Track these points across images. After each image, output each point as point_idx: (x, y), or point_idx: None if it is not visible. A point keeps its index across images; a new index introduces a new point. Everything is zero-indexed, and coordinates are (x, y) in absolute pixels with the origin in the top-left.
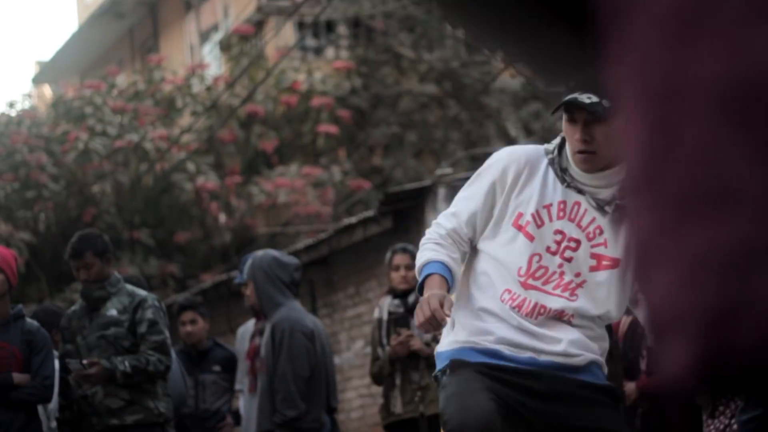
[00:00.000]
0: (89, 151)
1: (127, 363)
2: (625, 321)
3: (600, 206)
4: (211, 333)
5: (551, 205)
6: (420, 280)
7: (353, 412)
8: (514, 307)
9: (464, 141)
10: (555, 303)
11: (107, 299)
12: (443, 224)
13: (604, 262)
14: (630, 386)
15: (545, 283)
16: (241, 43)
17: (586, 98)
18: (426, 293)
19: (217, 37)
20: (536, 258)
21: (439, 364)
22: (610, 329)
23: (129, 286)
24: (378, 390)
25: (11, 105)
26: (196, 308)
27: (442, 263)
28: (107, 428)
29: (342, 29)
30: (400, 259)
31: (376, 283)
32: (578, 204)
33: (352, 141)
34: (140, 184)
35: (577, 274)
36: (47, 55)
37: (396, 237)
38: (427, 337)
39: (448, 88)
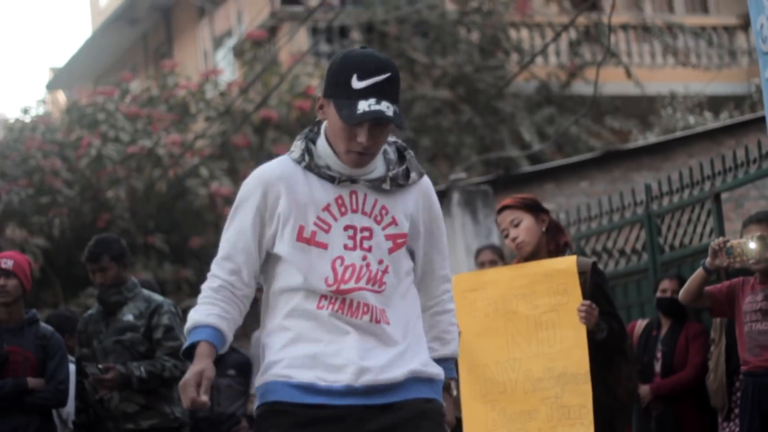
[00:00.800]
0: (102, 156)
1: (142, 368)
2: (641, 324)
3: (376, 186)
4: None
5: (329, 205)
6: (186, 344)
7: None
8: (335, 313)
9: (478, 146)
10: (372, 299)
11: (124, 304)
12: (218, 275)
13: (399, 240)
14: (644, 389)
15: (357, 280)
16: (255, 49)
17: (386, 108)
18: (189, 370)
19: (231, 42)
20: (338, 261)
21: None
22: (625, 332)
23: (146, 291)
24: None
25: (25, 111)
26: None
27: (211, 327)
28: None
29: (355, 35)
30: None
31: None
32: (355, 193)
33: None
34: (154, 190)
35: (380, 261)
36: (61, 61)
37: None
38: None
39: (461, 93)
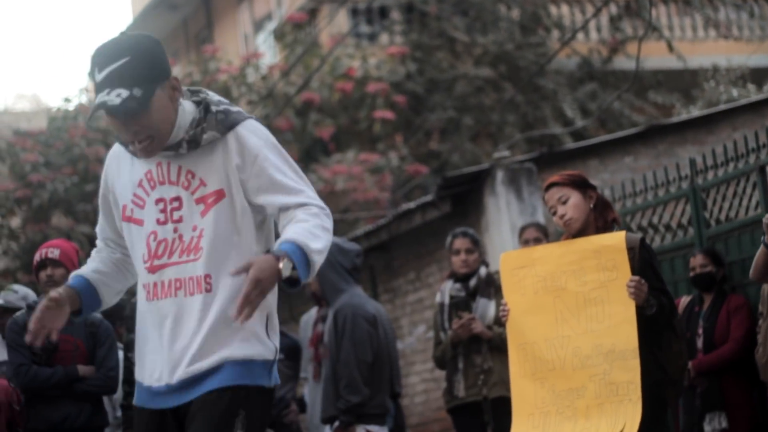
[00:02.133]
0: None
1: None
2: (684, 301)
3: (176, 150)
4: None
5: (141, 181)
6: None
7: (417, 396)
8: (151, 300)
9: (521, 123)
10: (186, 270)
11: None
12: (96, 245)
13: (209, 200)
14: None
15: (170, 255)
16: (295, 32)
17: (115, 97)
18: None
19: (271, 26)
20: (152, 237)
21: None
22: (674, 308)
23: None
24: (441, 374)
25: (68, 100)
26: None
27: (79, 275)
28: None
29: (395, 15)
30: (460, 243)
31: (436, 267)
32: (160, 164)
33: (409, 126)
34: None
35: (194, 228)
36: None
37: (455, 221)
38: (489, 319)
39: (503, 71)
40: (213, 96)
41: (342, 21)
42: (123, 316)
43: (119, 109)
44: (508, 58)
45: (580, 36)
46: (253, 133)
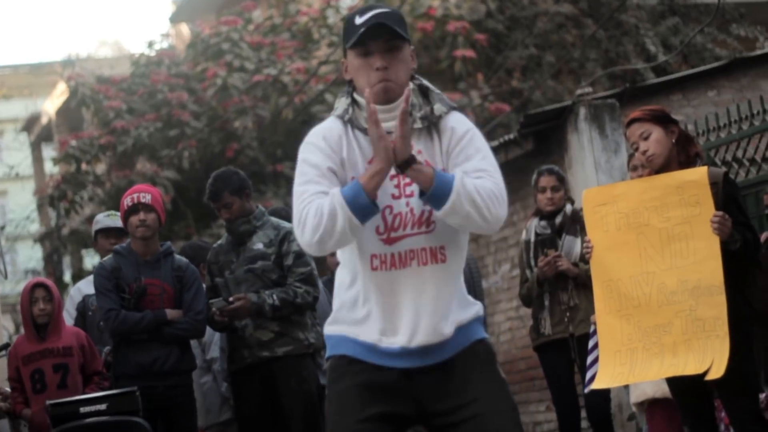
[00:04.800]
0: (228, 86)
1: (275, 296)
2: (765, 236)
3: (411, 126)
4: None
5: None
6: (350, 209)
7: (502, 335)
8: (387, 268)
9: (602, 59)
10: (419, 241)
11: (253, 233)
12: (314, 191)
13: None
14: None
15: (404, 227)
16: None
17: (386, 19)
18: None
19: None
20: (387, 210)
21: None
22: (759, 242)
23: (274, 219)
24: (526, 312)
25: (150, 45)
26: None
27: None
28: (258, 360)
29: None
30: (545, 180)
31: (520, 205)
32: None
33: (490, 64)
34: (280, 118)
35: (425, 203)
36: None
37: (538, 159)
38: (575, 256)
39: (584, 7)
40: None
41: None
42: (207, 258)
43: (390, 28)
44: None
45: None
46: (459, 121)
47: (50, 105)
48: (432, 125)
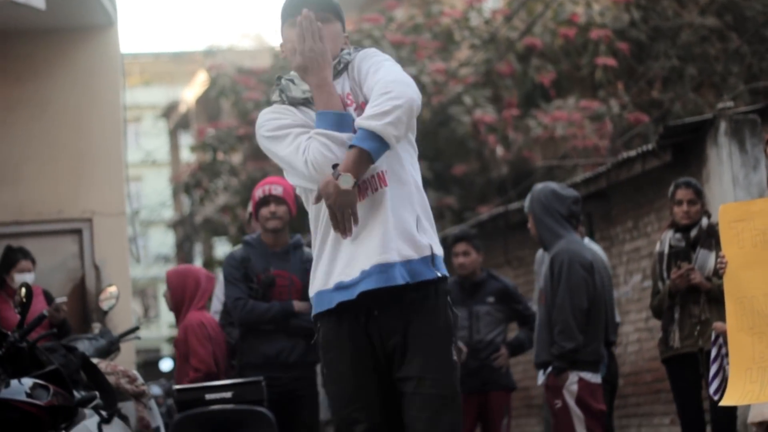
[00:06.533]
0: None
1: None
2: None
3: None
4: (487, 264)
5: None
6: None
7: (630, 345)
8: None
9: (745, 74)
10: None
11: None
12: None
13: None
14: None
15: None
16: None
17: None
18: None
19: None
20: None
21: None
22: None
23: None
24: (655, 324)
25: None
26: (469, 240)
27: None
28: None
29: None
30: (683, 193)
31: (655, 217)
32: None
33: (631, 74)
34: (418, 117)
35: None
36: None
37: (675, 171)
38: (709, 270)
39: (729, 21)
40: None
41: None
42: None
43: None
44: (735, 8)
45: None
46: (362, 56)
47: (189, 93)
48: (345, 69)
